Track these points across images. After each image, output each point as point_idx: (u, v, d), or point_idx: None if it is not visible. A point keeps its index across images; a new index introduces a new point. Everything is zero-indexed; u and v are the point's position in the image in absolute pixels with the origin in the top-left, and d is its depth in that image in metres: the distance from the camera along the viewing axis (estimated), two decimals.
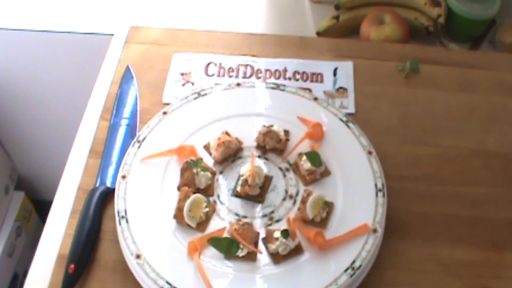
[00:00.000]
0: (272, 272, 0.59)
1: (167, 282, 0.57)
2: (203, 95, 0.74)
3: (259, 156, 0.69)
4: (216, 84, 0.78)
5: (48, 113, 1.26)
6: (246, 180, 0.64)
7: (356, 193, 0.65)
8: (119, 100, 0.77)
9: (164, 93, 0.78)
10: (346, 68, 0.81)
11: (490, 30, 0.92)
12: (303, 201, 0.62)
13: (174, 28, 0.87)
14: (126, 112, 0.76)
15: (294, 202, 0.65)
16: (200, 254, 0.59)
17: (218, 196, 0.65)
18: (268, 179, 0.66)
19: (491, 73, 0.82)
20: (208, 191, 0.66)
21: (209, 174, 0.66)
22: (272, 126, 0.69)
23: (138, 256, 0.59)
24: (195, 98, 0.74)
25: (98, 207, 0.65)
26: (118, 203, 0.63)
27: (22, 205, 1.36)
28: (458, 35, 0.91)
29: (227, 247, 0.59)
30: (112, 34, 0.87)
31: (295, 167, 0.68)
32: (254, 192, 0.65)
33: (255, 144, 0.70)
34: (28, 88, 1.20)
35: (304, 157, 0.66)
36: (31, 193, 1.43)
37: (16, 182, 1.39)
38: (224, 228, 0.62)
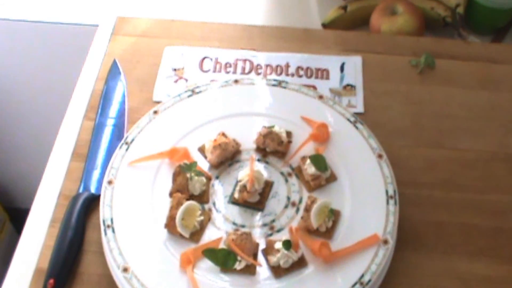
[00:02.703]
0: (272, 287, 0.59)
1: None
2: (197, 93, 0.75)
3: (258, 160, 0.70)
4: (211, 80, 0.79)
5: (26, 112, 1.26)
6: (244, 186, 0.65)
7: (365, 200, 0.65)
8: (105, 98, 0.78)
9: (154, 90, 0.79)
10: (355, 63, 0.82)
11: None
12: (307, 209, 0.63)
13: (165, 19, 0.88)
14: (113, 111, 0.76)
15: (297, 210, 0.65)
16: (193, 267, 0.60)
17: (214, 203, 0.66)
18: (268, 185, 0.67)
19: None
20: (202, 197, 0.66)
21: (204, 179, 0.67)
22: (273, 126, 0.69)
23: (125, 269, 0.60)
24: (189, 96, 0.74)
25: (81, 215, 0.66)
26: (104, 211, 0.64)
27: None
28: (478, 26, 0.92)
29: (224, 259, 0.60)
30: (97, 25, 0.88)
31: (298, 172, 0.68)
32: (253, 199, 0.65)
33: (254, 146, 0.70)
34: (3, 83, 1.20)
35: (308, 161, 0.67)
36: (5, 200, 1.43)
37: None
38: (220, 239, 0.63)
